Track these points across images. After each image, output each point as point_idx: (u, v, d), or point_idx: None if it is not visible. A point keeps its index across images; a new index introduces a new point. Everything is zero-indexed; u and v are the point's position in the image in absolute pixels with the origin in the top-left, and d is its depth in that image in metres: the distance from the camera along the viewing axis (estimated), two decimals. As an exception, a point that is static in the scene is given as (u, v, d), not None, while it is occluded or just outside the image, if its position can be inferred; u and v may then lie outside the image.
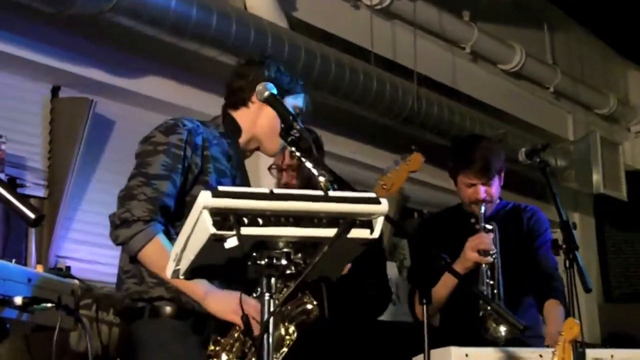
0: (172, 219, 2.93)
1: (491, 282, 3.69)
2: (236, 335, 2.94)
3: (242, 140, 3.23)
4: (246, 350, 2.92)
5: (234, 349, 2.94)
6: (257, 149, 3.30)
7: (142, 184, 2.91)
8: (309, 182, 3.80)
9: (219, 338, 2.95)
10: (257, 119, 3.21)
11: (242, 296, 2.55)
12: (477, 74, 7.58)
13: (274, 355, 2.84)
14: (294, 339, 3.00)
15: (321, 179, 2.98)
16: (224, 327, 2.94)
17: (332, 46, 5.79)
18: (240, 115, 3.23)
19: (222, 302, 2.87)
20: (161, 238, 2.85)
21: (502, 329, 3.53)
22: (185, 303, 2.95)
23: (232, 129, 3.21)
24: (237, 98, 3.22)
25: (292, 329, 2.99)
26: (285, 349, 2.96)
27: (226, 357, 2.93)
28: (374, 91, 5.88)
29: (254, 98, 3.16)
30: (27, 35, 4.53)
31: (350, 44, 6.20)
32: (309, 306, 3.01)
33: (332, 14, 6.21)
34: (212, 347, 2.93)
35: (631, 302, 8.76)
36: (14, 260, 3.14)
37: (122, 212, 2.88)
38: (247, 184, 3.25)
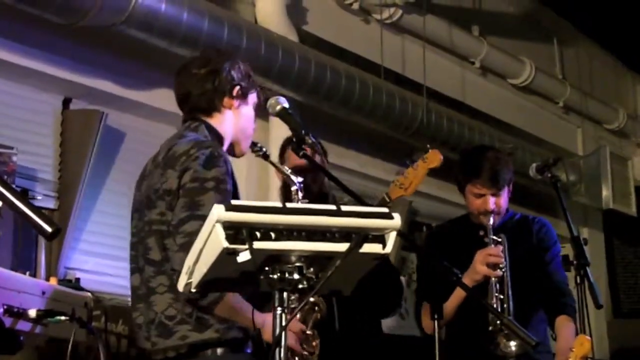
0: None
1: (501, 297, 3.66)
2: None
3: (223, 148, 3.07)
4: None
5: None
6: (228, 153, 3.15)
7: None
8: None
9: None
10: (237, 123, 3.10)
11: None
12: (487, 88, 7.58)
13: None
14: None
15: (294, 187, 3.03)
16: None
17: (342, 60, 5.81)
18: (216, 122, 3.08)
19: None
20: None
21: (512, 344, 3.51)
22: (252, 337, 2.91)
23: (216, 139, 3.05)
24: (207, 104, 3.07)
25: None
26: None
27: None
28: (384, 105, 5.89)
29: (225, 101, 3.06)
30: (39, 47, 4.55)
31: (360, 58, 6.22)
32: (312, 299, 2.98)
33: (343, 28, 6.23)
34: None
35: (640, 317, 8.75)
36: (28, 273, 3.15)
37: None
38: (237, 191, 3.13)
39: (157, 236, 2.91)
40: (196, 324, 2.84)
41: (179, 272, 2.70)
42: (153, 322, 2.89)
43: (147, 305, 2.93)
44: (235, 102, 3.09)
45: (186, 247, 2.73)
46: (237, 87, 3.08)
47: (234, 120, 3.10)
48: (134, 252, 3.04)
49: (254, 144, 3.19)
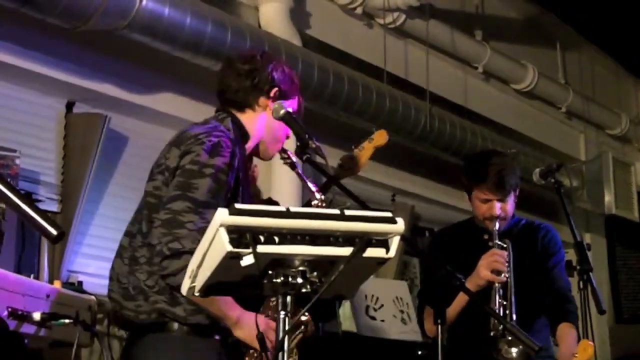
0: None
1: (504, 302, 3.65)
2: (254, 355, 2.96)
3: (248, 145, 3.07)
4: None
5: None
6: (252, 153, 3.17)
7: (190, 210, 2.74)
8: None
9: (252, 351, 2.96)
10: (268, 125, 3.08)
11: (259, 316, 2.54)
12: (489, 93, 7.59)
13: None
14: None
15: (315, 201, 3.03)
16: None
17: (345, 64, 5.81)
18: (247, 119, 3.08)
19: (248, 329, 2.81)
20: None
21: (514, 351, 3.50)
22: (223, 328, 2.90)
23: (240, 134, 3.04)
24: (242, 99, 3.07)
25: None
26: None
27: None
28: (387, 109, 5.90)
29: (261, 101, 3.06)
30: (43, 51, 4.56)
31: (363, 62, 6.23)
32: (302, 317, 2.97)
33: (346, 33, 6.24)
34: None
35: (642, 323, 8.74)
36: (32, 276, 3.15)
37: (170, 241, 2.72)
38: (250, 192, 3.13)
39: (148, 208, 2.93)
40: (170, 298, 2.85)
41: (160, 251, 2.73)
42: (136, 288, 2.90)
43: (133, 270, 2.93)
44: (271, 104, 3.07)
45: (167, 224, 2.74)
46: (275, 89, 3.08)
47: (266, 122, 3.09)
48: (132, 219, 3.05)
49: (283, 150, 3.18)
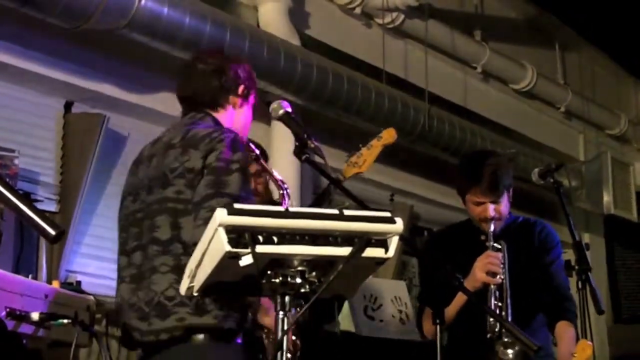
0: None
1: (500, 304, 3.64)
2: None
3: None
4: None
5: None
6: None
7: None
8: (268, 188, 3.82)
9: None
10: (237, 121, 3.12)
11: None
12: (488, 93, 7.59)
13: None
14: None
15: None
16: None
17: (344, 64, 5.81)
18: (220, 117, 3.10)
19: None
20: None
21: (510, 352, 3.49)
22: (248, 330, 2.88)
23: None
24: (213, 100, 3.09)
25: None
26: None
27: None
28: (386, 109, 5.90)
29: (230, 99, 3.09)
30: (42, 51, 4.56)
31: (362, 62, 6.22)
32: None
33: (345, 33, 6.24)
34: None
35: (641, 323, 8.75)
36: (30, 276, 3.15)
37: None
38: None
39: (169, 214, 2.87)
40: (195, 308, 2.78)
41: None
42: (151, 302, 2.82)
43: (146, 284, 2.86)
44: (239, 101, 3.11)
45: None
46: (243, 86, 3.11)
47: (235, 118, 3.12)
48: (125, 234, 3.03)
49: (247, 142, 3.21)
